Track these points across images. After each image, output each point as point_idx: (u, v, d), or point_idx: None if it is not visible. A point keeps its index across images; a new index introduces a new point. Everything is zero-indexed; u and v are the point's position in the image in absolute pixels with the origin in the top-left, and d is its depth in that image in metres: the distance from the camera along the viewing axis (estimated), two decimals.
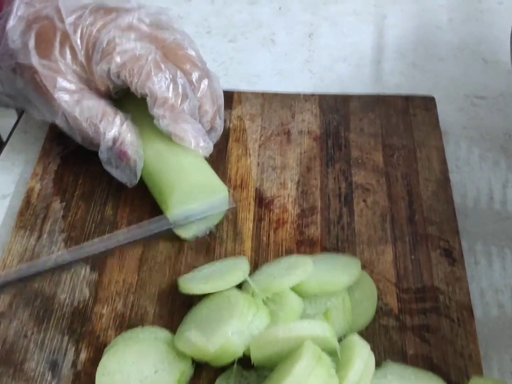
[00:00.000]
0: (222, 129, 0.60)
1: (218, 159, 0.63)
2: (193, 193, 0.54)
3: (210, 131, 0.58)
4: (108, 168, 0.56)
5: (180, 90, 0.54)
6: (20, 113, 0.69)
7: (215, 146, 0.62)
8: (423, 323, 0.51)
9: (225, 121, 0.66)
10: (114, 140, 0.55)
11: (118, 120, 0.55)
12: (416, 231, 0.57)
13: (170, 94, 0.54)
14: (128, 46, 0.54)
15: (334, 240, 0.57)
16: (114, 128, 0.55)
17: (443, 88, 0.72)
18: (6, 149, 0.65)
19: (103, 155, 0.55)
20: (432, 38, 0.77)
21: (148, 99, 0.54)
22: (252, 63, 0.75)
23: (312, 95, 0.69)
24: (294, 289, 0.50)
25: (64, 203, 0.59)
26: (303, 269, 0.49)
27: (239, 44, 0.77)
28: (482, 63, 0.74)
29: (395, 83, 0.72)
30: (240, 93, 0.69)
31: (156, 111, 0.54)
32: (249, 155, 0.64)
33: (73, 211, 0.59)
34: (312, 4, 0.82)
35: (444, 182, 0.60)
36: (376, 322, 0.51)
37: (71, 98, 0.54)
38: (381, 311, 0.52)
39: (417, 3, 0.82)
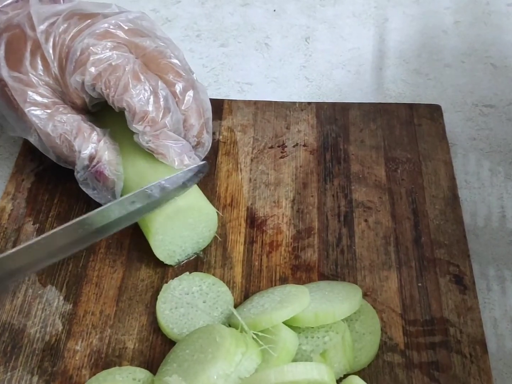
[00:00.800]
0: (210, 144, 0.55)
1: (207, 175, 0.57)
2: (178, 217, 0.49)
3: (196, 146, 0.53)
4: (84, 188, 0.51)
5: (161, 103, 0.49)
6: None
7: (203, 159, 0.58)
8: (432, 360, 0.46)
9: (214, 133, 0.61)
10: (91, 158, 0.50)
11: (94, 136, 0.50)
12: (423, 255, 0.52)
13: (150, 108, 0.49)
14: (104, 55, 0.49)
15: (332, 265, 0.52)
16: (90, 146, 0.50)
17: (449, 96, 0.67)
18: None
19: (79, 174, 0.51)
20: (437, 43, 0.73)
21: (126, 113, 0.49)
22: (245, 69, 0.70)
23: (309, 103, 0.64)
24: (288, 321, 0.45)
25: (37, 225, 0.54)
26: (299, 302, 0.45)
27: (231, 48, 0.73)
28: (491, 69, 0.70)
29: (397, 91, 0.67)
30: (231, 102, 0.64)
31: (136, 126, 0.49)
32: (240, 170, 0.59)
33: None
34: (309, 5, 0.77)
35: (453, 200, 0.56)
36: (380, 359, 0.46)
37: (44, 113, 0.50)
38: (385, 346, 0.47)
39: (421, 5, 0.77)
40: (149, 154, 0.50)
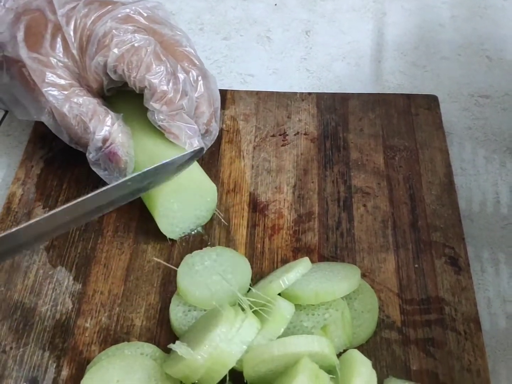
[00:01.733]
0: (217, 133, 0.57)
1: (210, 162, 0.60)
2: (180, 191, 0.51)
3: (205, 134, 0.55)
4: (95, 169, 0.53)
5: (179, 85, 0.51)
6: (3, 115, 0.65)
7: (207, 148, 0.60)
8: (428, 337, 0.48)
9: None
10: (104, 140, 0.52)
11: (109, 119, 0.52)
12: (419, 238, 0.54)
13: (170, 88, 0.51)
14: (126, 37, 0.51)
15: (332, 247, 0.54)
16: (105, 128, 0.52)
17: (446, 88, 0.69)
18: None
19: (91, 155, 0.52)
20: (434, 36, 0.74)
21: (146, 91, 0.51)
22: (247, 61, 0.72)
23: (309, 94, 0.66)
24: (290, 298, 0.47)
25: (47, 209, 0.56)
26: (303, 265, 0.47)
27: (233, 41, 0.74)
28: (487, 61, 0.71)
29: (396, 83, 0.69)
30: (233, 92, 0.66)
31: (153, 104, 0.51)
32: (243, 157, 0.60)
33: None
34: (309, 0, 0.79)
35: (449, 186, 0.57)
36: (378, 335, 0.48)
37: (60, 93, 0.51)
38: (383, 323, 0.49)
39: None
40: (159, 139, 0.52)
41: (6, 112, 0.65)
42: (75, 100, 0.51)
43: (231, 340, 0.42)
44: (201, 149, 0.51)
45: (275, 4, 0.79)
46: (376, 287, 0.51)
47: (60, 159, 0.59)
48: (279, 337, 0.44)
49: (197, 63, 0.54)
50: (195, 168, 0.53)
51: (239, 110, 0.64)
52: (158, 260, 0.52)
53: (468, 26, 0.76)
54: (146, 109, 0.52)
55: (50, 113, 0.52)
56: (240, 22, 0.77)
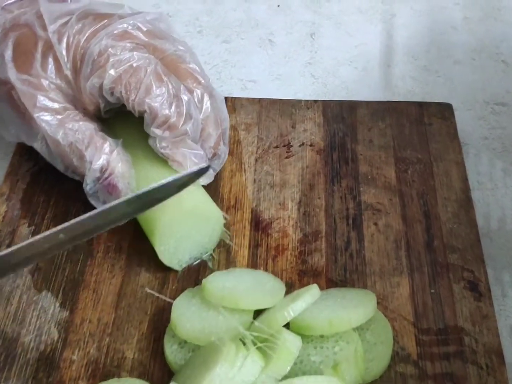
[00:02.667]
0: (227, 156, 0.53)
1: None
2: (184, 219, 0.47)
3: (212, 158, 0.51)
4: (93, 202, 0.49)
5: (183, 108, 0.47)
6: None
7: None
8: (447, 371, 0.44)
9: None
10: (102, 170, 0.47)
11: (107, 147, 0.48)
12: (435, 260, 0.50)
13: (173, 112, 0.46)
14: (124, 57, 0.46)
15: (341, 270, 0.50)
16: (103, 157, 0.47)
17: (459, 94, 0.65)
18: None
19: (88, 187, 0.48)
20: (446, 39, 0.71)
21: (146, 115, 0.47)
22: (248, 66, 0.68)
23: (315, 101, 0.62)
24: (301, 329, 0.43)
25: (32, 227, 0.52)
26: (310, 294, 0.43)
27: (234, 45, 0.70)
28: (502, 66, 0.68)
29: (406, 89, 0.65)
30: (234, 100, 0.62)
31: (154, 130, 0.47)
32: (244, 170, 0.56)
33: None
34: (314, 1, 0.75)
35: (466, 202, 0.53)
36: (392, 370, 0.44)
37: (54, 119, 0.47)
38: (397, 356, 0.45)
39: (429, 0, 0.75)
40: (162, 166, 0.48)
41: None
42: (70, 125, 0.47)
43: (232, 379, 0.38)
44: (207, 167, 0.47)
45: (278, 6, 0.75)
46: (390, 315, 0.47)
47: (47, 173, 0.55)
48: (285, 376, 0.40)
49: (202, 81, 0.50)
50: (201, 194, 0.49)
51: (240, 119, 0.60)
52: (151, 291, 0.47)
53: (482, 28, 0.72)
54: (146, 133, 0.48)
55: (43, 140, 0.48)
56: (241, 24, 0.73)
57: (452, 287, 0.48)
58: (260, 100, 0.62)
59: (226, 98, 0.61)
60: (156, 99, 0.46)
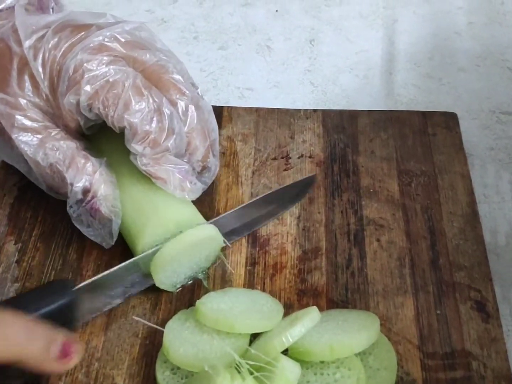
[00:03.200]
0: (218, 169, 0.50)
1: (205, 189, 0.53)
2: (168, 230, 0.45)
3: (202, 172, 0.49)
4: (78, 226, 0.47)
5: (165, 122, 0.44)
6: None
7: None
8: None
9: None
10: (85, 192, 0.45)
11: (89, 167, 0.46)
12: (441, 279, 0.48)
13: (153, 128, 0.44)
14: (100, 71, 0.44)
15: (342, 289, 0.47)
16: (84, 178, 0.45)
17: (464, 102, 0.63)
18: None
19: (72, 210, 0.46)
20: (450, 45, 0.69)
21: (126, 132, 0.44)
22: (245, 74, 0.66)
23: (314, 111, 0.60)
24: (301, 354, 0.41)
25: (19, 245, 0.50)
26: (309, 318, 0.41)
27: (230, 51, 0.69)
28: (508, 73, 0.66)
29: (409, 97, 0.63)
30: (230, 109, 0.60)
31: (135, 146, 0.44)
32: (241, 183, 0.54)
33: (29, 255, 0.49)
34: (313, 5, 0.73)
35: (472, 217, 0.51)
36: None
37: (33, 139, 0.45)
38: (402, 382, 0.43)
39: (432, 5, 0.73)
40: (149, 186, 0.46)
41: None
42: (50, 145, 0.45)
43: None
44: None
45: (276, 11, 0.73)
46: (393, 338, 0.44)
47: (35, 187, 0.52)
48: None
49: (186, 92, 0.47)
50: (198, 217, 0.47)
51: (237, 130, 0.58)
52: (139, 319, 0.45)
53: (486, 34, 0.70)
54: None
55: (24, 160, 0.46)
56: (238, 30, 0.71)
57: (459, 307, 0.46)
58: (257, 109, 0.60)
59: (222, 107, 0.60)
60: (136, 114, 0.44)
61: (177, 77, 0.46)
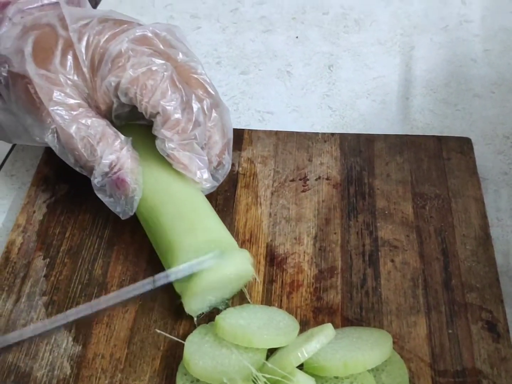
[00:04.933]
0: (230, 167, 0.53)
1: (225, 209, 0.56)
2: (203, 248, 0.47)
3: (217, 167, 0.52)
4: (100, 195, 0.50)
5: (193, 115, 0.49)
6: (6, 154, 0.62)
7: (221, 191, 0.56)
8: None
9: (233, 165, 0.59)
10: (112, 165, 0.48)
11: (118, 143, 0.49)
12: (453, 299, 0.49)
13: (183, 117, 0.48)
14: (142, 60, 0.48)
15: (357, 308, 0.49)
16: (113, 152, 0.48)
17: (479, 128, 0.64)
18: None
19: (96, 180, 0.49)
20: (466, 72, 0.70)
21: (158, 118, 0.48)
22: (266, 98, 0.68)
23: (332, 134, 0.61)
24: (315, 370, 0.42)
25: (47, 260, 0.52)
26: (324, 334, 0.42)
27: (252, 76, 0.70)
28: None
29: (425, 122, 0.65)
30: (251, 132, 0.62)
31: (164, 132, 0.48)
32: (260, 204, 0.56)
33: (57, 270, 0.51)
34: (332, 32, 0.75)
35: (485, 240, 0.52)
36: None
37: (68, 113, 0.48)
38: None
39: (448, 32, 0.75)
40: (167, 172, 0.50)
41: (10, 151, 0.62)
42: (83, 121, 0.48)
43: None
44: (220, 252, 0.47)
45: (296, 37, 0.75)
46: (406, 356, 0.46)
47: (63, 204, 0.55)
48: None
49: (212, 92, 0.52)
50: (218, 224, 0.50)
51: (257, 152, 0.60)
52: (161, 332, 0.47)
53: (502, 61, 0.71)
54: (154, 141, 0.50)
55: (55, 134, 0.48)
56: (259, 55, 0.73)
57: (470, 327, 0.47)
58: (277, 132, 0.62)
59: (243, 130, 0.62)
60: (170, 103, 0.48)
61: (205, 78, 0.51)
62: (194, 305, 0.47)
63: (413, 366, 0.45)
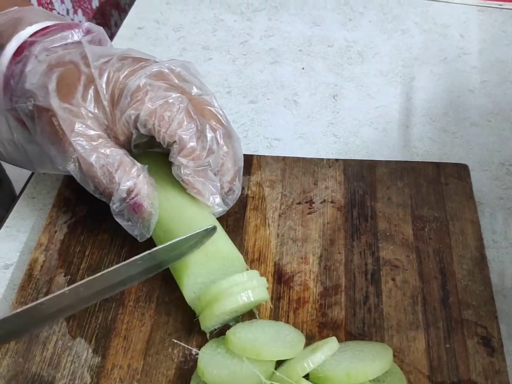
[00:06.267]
0: (240, 194, 0.57)
1: (235, 229, 0.59)
2: (212, 268, 0.51)
3: (228, 193, 0.56)
4: (119, 219, 0.53)
5: (207, 143, 0.52)
6: (28, 177, 0.65)
7: (232, 213, 0.59)
8: None
9: (243, 188, 0.62)
10: (129, 191, 0.52)
11: (135, 171, 0.52)
12: (450, 316, 0.52)
13: (198, 145, 0.52)
14: (159, 93, 0.51)
15: (360, 324, 0.52)
16: (131, 179, 0.52)
17: (476, 155, 0.67)
18: (11, 215, 0.62)
19: (115, 206, 0.52)
20: (464, 102, 0.74)
21: (174, 146, 0.52)
22: (273, 125, 0.72)
23: (336, 160, 0.65)
24: (319, 380, 0.45)
25: (68, 277, 0.55)
26: (329, 346, 0.45)
27: (260, 105, 0.74)
28: None
29: (424, 149, 0.68)
30: (260, 158, 0.65)
31: (180, 159, 0.52)
32: (268, 225, 0.59)
33: None
34: (337, 64, 0.79)
35: (481, 260, 0.55)
36: None
37: (88, 144, 0.51)
38: None
39: (448, 64, 0.78)
40: (182, 198, 0.53)
41: (32, 174, 0.65)
42: (103, 150, 0.51)
43: None
44: (214, 227, 0.51)
45: (303, 68, 0.79)
46: (405, 368, 0.48)
47: (83, 224, 0.59)
48: None
49: (225, 123, 0.55)
50: (229, 244, 0.53)
51: (265, 176, 0.63)
52: (177, 341, 0.50)
53: (498, 92, 0.75)
54: (169, 168, 0.53)
55: (77, 163, 0.52)
56: (267, 85, 0.77)
57: (466, 342, 0.50)
58: (284, 158, 0.65)
59: (252, 156, 0.65)
60: (186, 132, 0.51)
61: (219, 110, 0.55)
62: (209, 324, 0.50)
63: (412, 377, 0.48)
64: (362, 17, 0.86)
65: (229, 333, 0.48)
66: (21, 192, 0.64)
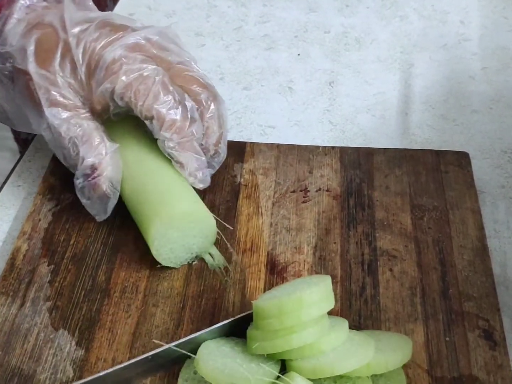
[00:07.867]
0: (225, 157, 0.56)
1: (227, 218, 0.57)
2: (176, 222, 0.50)
3: (213, 156, 0.55)
4: (80, 196, 0.53)
5: (188, 113, 0.52)
6: (13, 165, 0.63)
7: (223, 201, 0.57)
8: None
9: (236, 176, 0.60)
10: (92, 169, 0.51)
11: (102, 148, 0.52)
12: (450, 308, 0.50)
13: (178, 117, 0.51)
14: (134, 66, 0.51)
15: (356, 315, 0.50)
16: (95, 156, 0.51)
17: (477, 143, 0.65)
18: None
19: (78, 181, 0.52)
20: (464, 89, 0.71)
21: (154, 122, 0.51)
22: (268, 113, 0.69)
23: (332, 148, 0.63)
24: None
25: (52, 266, 0.53)
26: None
27: (254, 92, 0.72)
28: None
29: (424, 137, 0.66)
30: (253, 145, 0.63)
31: (163, 133, 0.51)
32: (261, 214, 0.57)
33: (61, 276, 0.52)
34: (333, 50, 0.77)
35: (482, 250, 0.53)
36: None
37: (61, 114, 0.51)
38: None
39: (448, 50, 0.76)
40: (153, 171, 0.53)
41: (17, 162, 0.63)
42: (74, 121, 0.51)
43: None
44: None
45: (298, 54, 0.76)
46: None
47: (69, 212, 0.56)
48: None
49: (207, 86, 0.54)
50: (193, 198, 0.53)
51: (259, 164, 0.61)
52: (158, 342, 0.46)
53: (499, 78, 0.73)
54: (150, 138, 0.53)
55: (50, 129, 0.51)
56: (262, 72, 0.74)
57: (467, 335, 0.48)
58: (278, 145, 0.63)
59: (245, 143, 0.63)
60: (163, 105, 0.50)
61: (200, 73, 0.54)
62: (162, 250, 0.51)
63: (411, 372, 0.46)
64: (360, 3, 0.83)
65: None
66: (5, 181, 0.62)
